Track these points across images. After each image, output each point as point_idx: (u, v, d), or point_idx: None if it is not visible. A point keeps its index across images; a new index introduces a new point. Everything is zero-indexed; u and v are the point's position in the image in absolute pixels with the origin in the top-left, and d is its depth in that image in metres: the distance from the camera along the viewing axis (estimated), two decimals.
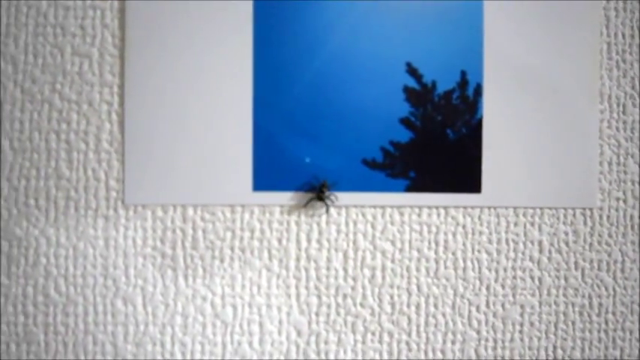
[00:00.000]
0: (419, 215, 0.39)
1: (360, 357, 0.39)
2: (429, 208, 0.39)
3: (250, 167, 0.38)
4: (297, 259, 0.39)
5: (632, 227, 0.40)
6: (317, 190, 0.38)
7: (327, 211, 0.39)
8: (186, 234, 0.38)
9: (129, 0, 0.38)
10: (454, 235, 0.39)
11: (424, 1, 0.39)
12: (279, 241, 0.39)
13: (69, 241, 0.38)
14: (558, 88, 0.39)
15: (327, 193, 0.38)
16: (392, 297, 0.39)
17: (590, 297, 0.40)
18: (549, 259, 0.40)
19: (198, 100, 0.38)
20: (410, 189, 0.39)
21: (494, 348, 0.39)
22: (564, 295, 0.40)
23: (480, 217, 0.39)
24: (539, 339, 0.40)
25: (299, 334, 0.39)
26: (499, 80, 0.39)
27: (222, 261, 0.38)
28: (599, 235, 0.40)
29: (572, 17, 0.39)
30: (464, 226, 0.39)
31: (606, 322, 0.40)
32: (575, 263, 0.40)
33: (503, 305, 0.39)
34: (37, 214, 0.38)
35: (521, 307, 0.40)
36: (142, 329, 0.38)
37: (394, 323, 0.39)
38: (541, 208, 0.40)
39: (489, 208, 0.39)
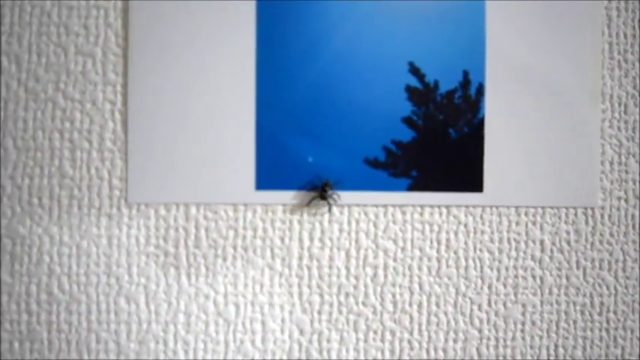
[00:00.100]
0: (421, 214, 0.39)
1: (362, 355, 0.39)
2: (431, 207, 0.39)
3: (253, 166, 0.38)
4: (300, 258, 0.39)
5: (634, 226, 0.40)
6: (319, 189, 0.38)
7: (330, 210, 0.39)
8: (188, 232, 0.38)
9: (132, 0, 0.38)
10: (456, 234, 0.39)
11: (426, 1, 0.39)
12: (282, 239, 0.39)
13: (72, 240, 0.38)
14: (560, 88, 0.39)
15: (329, 192, 0.38)
16: (394, 296, 0.39)
17: (591, 296, 0.40)
18: (551, 258, 0.40)
19: (201, 99, 0.38)
20: (412, 188, 0.39)
21: (496, 347, 0.40)
22: (566, 294, 0.40)
23: (481, 216, 0.39)
24: (540, 338, 0.40)
25: (301, 332, 0.39)
26: (501, 80, 0.39)
27: (224, 259, 0.39)
28: (601, 235, 0.40)
29: (573, 17, 0.39)
30: (466, 225, 0.39)
31: (607, 321, 0.40)
32: (577, 262, 0.40)
33: (505, 304, 0.40)
34: (40, 212, 0.38)
35: (523, 306, 0.40)
36: (144, 327, 0.38)
37: (396, 322, 0.39)
38: (543, 208, 0.40)
39: (491, 207, 0.39)
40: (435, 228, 0.39)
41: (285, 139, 0.39)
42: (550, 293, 0.40)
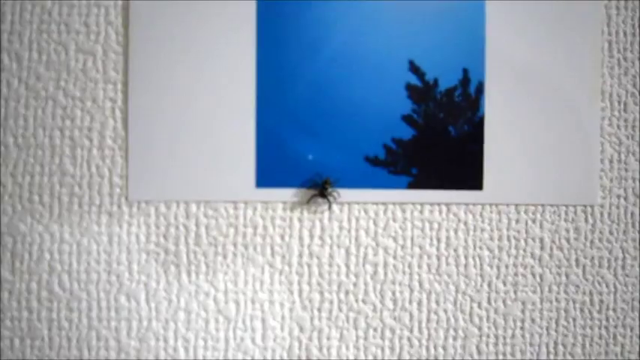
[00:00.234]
0: (421, 212, 0.39)
1: (362, 353, 0.39)
2: (431, 204, 0.39)
3: (253, 164, 0.38)
4: (300, 256, 0.39)
5: (633, 224, 0.40)
6: (319, 186, 0.38)
7: (330, 207, 0.39)
8: (189, 230, 0.38)
9: None
10: (456, 231, 0.39)
11: (426, 0, 0.39)
12: (282, 237, 0.39)
13: (73, 237, 0.38)
14: (560, 86, 0.39)
15: (329, 190, 0.38)
16: (394, 293, 0.39)
17: (591, 294, 0.40)
18: (550, 255, 0.40)
19: (202, 98, 0.38)
20: (412, 186, 0.39)
21: (496, 344, 0.40)
22: (565, 292, 0.40)
23: (481, 214, 0.40)
24: (540, 335, 0.40)
25: (301, 330, 0.39)
26: (501, 78, 0.39)
27: (225, 257, 0.39)
28: (600, 232, 0.40)
29: (573, 16, 0.39)
30: (465, 223, 0.39)
31: (607, 319, 0.40)
32: (576, 260, 0.40)
33: (504, 302, 0.40)
34: (41, 210, 0.38)
35: (523, 303, 0.40)
36: (145, 325, 0.38)
37: (396, 319, 0.39)
38: (542, 205, 0.40)
39: (491, 205, 0.40)
40: (435, 226, 0.39)
41: (286, 137, 0.39)
42: (550, 291, 0.40)
